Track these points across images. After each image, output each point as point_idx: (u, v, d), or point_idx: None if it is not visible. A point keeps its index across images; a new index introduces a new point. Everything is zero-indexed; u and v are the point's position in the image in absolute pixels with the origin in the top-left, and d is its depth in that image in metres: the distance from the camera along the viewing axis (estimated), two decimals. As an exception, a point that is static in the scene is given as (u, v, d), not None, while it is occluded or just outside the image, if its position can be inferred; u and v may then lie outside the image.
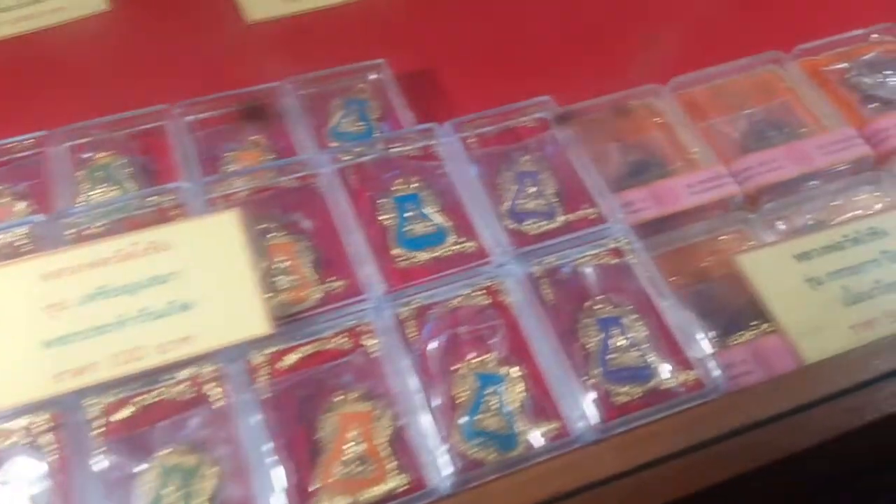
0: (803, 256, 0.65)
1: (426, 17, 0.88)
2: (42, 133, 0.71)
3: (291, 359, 0.56)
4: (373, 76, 0.78)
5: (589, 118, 0.76)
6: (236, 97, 0.76)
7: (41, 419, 0.54)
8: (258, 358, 0.55)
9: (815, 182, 0.71)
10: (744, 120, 0.77)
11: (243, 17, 0.88)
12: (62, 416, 0.54)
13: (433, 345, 0.57)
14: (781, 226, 0.69)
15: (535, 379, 0.56)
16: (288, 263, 0.60)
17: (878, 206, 0.70)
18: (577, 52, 0.84)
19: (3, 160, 0.71)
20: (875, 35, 0.83)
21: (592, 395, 0.55)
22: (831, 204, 0.71)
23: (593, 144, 0.75)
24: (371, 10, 0.88)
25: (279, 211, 0.64)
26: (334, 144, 0.71)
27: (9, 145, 0.71)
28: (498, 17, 0.88)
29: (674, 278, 0.67)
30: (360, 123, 0.75)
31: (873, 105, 0.77)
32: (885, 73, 0.79)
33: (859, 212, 0.70)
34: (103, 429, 0.53)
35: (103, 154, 0.72)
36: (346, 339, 0.57)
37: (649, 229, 0.69)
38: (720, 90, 0.79)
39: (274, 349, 0.56)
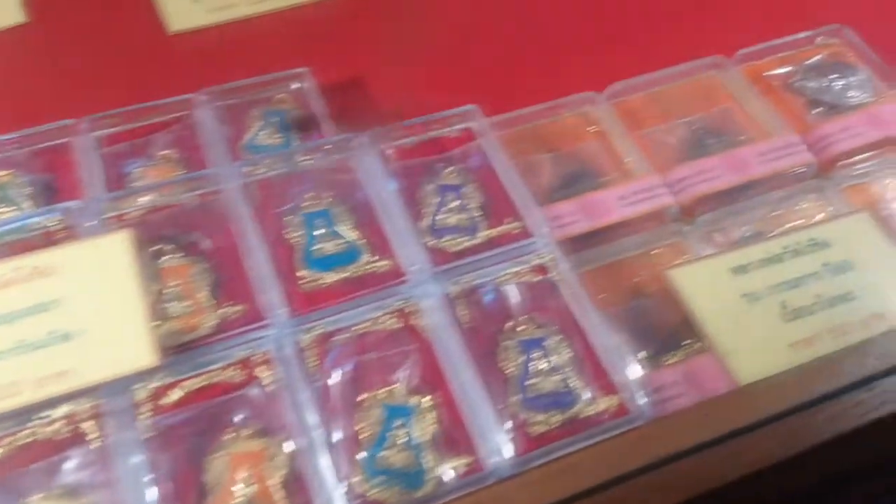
0: (740, 270, 0.62)
1: (354, 26, 0.84)
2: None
3: (178, 393, 0.51)
4: (295, 86, 0.74)
5: (521, 128, 0.73)
6: (148, 110, 0.72)
7: None
8: (142, 393, 0.51)
9: (754, 191, 0.68)
10: (683, 128, 0.73)
11: (165, 27, 0.85)
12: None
13: (337, 375, 0.52)
14: (719, 238, 0.66)
15: (448, 409, 0.52)
16: (182, 288, 0.56)
17: (821, 216, 0.67)
18: (511, 60, 0.80)
19: None
20: (820, 38, 0.80)
21: (508, 425, 0.51)
22: (771, 214, 0.67)
23: (525, 155, 0.71)
24: (299, 19, 0.85)
25: (177, 230, 0.59)
26: (248, 157, 0.67)
27: None
28: (428, 25, 0.84)
29: (604, 295, 0.63)
30: (279, 135, 0.71)
31: (818, 110, 0.74)
32: (830, 77, 0.76)
33: (801, 222, 0.66)
34: (-30, 473, 0.48)
35: (2, 173, 0.68)
36: (241, 370, 0.52)
37: (580, 244, 0.65)
38: (659, 97, 0.75)
39: (160, 383, 0.51)
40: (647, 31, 0.83)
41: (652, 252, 0.66)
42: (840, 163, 0.69)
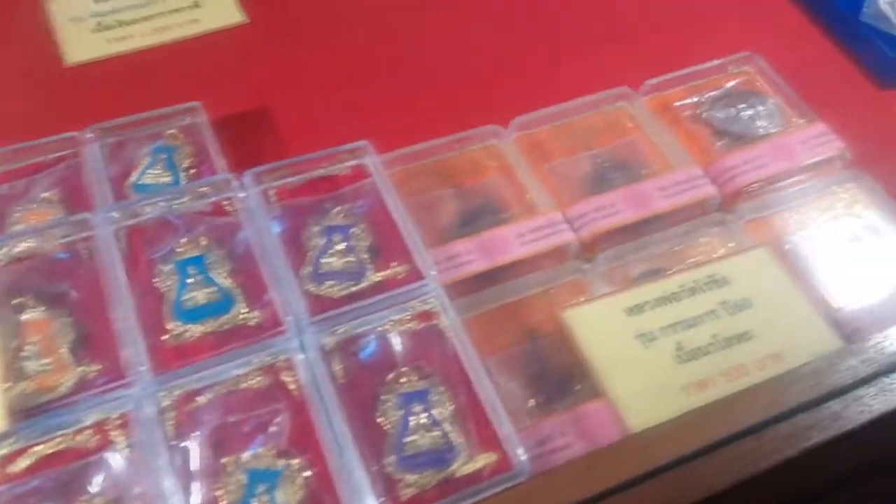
0: (636, 310, 0.60)
1: (255, 60, 0.82)
2: None
3: (28, 460, 0.48)
4: (187, 121, 0.71)
5: (423, 163, 0.71)
6: (33, 148, 0.69)
7: None
8: (-17, 462, 0.48)
9: (656, 226, 0.66)
10: (588, 161, 0.72)
11: (63, 59, 0.81)
12: None
13: (199, 437, 0.49)
14: (619, 275, 0.64)
15: (318, 472, 0.49)
16: (41, 344, 0.53)
17: (722, 252, 0.65)
18: (414, 94, 0.79)
19: None
20: (732, 66, 0.79)
21: (379, 488, 0.48)
22: (673, 250, 0.66)
23: (427, 191, 0.69)
24: (199, 51, 0.82)
25: (43, 281, 0.56)
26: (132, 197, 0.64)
27: None
28: (328, 59, 0.82)
29: (501, 338, 0.61)
30: (168, 174, 0.68)
31: (724, 141, 0.73)
32: (738, 106, 0.75)
33: (701, 258, 0.65)
34: None
35: None
36: (96, 433, 0.49)
37: (478, 283, 0.63)
38: (565, 130, 0.74)
39: (8, 449, 0.48)
40: (554, 62, 0.82)
41: (551, 291, 0.64)
42: (744, 195, 0.68)
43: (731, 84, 0.78)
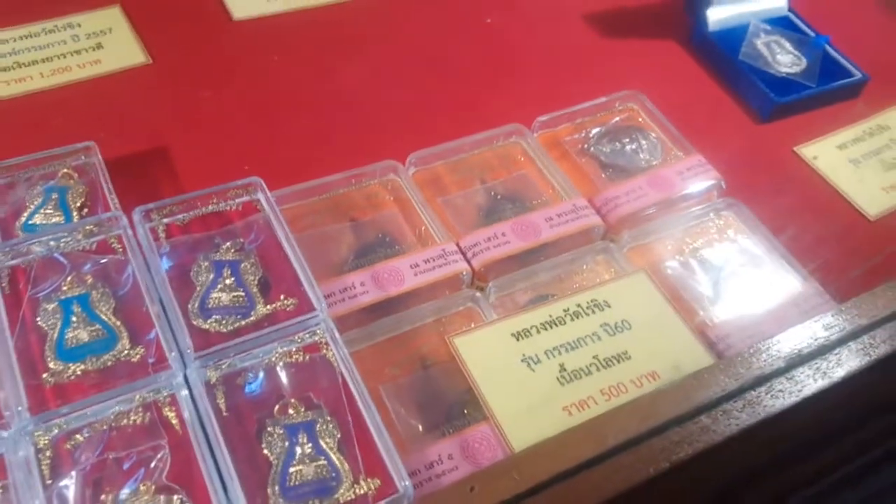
0: (522, 334, 0.62)
1: (155, 99, 0.82)
2: None
3: None
4: (81, 160, 0.71)
5: (322, 197, 0.72)
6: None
7: None
8: None
9: (544, 255, 0.69)
10: (482, 194, 0.75)
11: (-42, 99, 0.80)
12: None
13: (76, 477, 0.49)
14: (509, 303, 0.67)
15: (200, 505, 0.49)
16: None
17: (606, 277, 0.68)
18: (310, 129, 0.80)
19: None
20: (617, 103, 0.84)
21: (260, 520, 0.49)
22: (559, 277, 0.69)
23: (324, 225, 0.71)
24: (101, 89, 0.82)
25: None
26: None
27: None
28: (230, 96, 0.83)
29: (392, 367, 0.62)
30: (59, 213, 0.67)
31: (609, 173, 0.77)
32: (623, 140, 0.80)
33: (586, 284, 0.68)
34: None
35: None
36: (-34, 477, 0.48)
37: (372, 314, 0.64)
38: (461, 165, 0.77)
39: None
40: (450, 99, 0.85)
41: (443, 320, 0.65)
42: (627, 224, 0.72)
43: (616, 120, 0.83)
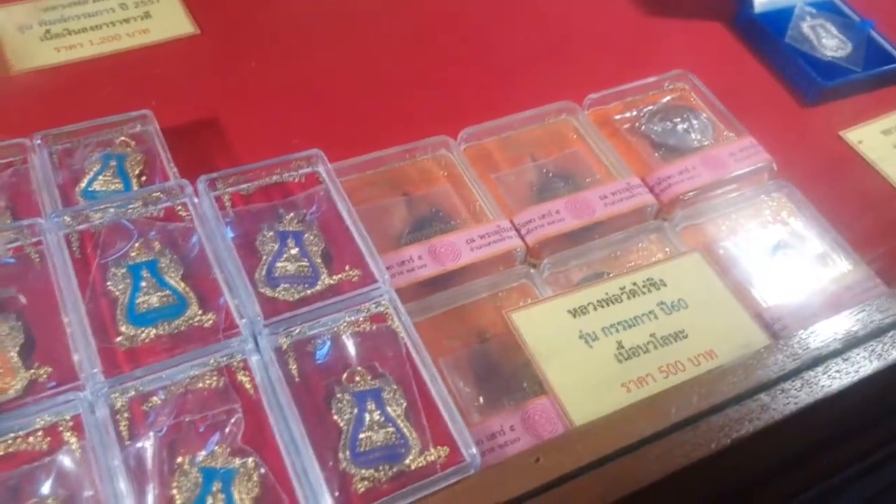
0: (579, 311, 0.63)
1: (202, 69, 0.82)
2: None
3: (-25, 464, 0.47)
4: (137, 129, 0.71)
5: (375, 171, 0.73)
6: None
7: None
8: (-72, 466, 0.47)
9: (598, 233, 0.69)
10: (534, 171, 0.75)
11: (8, 66, 0.80)
12: None
13: (153, 438, 0.50)
14: (563, 279, 0.67)
15: (274, 470, 0.50)
16: (-13, 349, 0.52)
17: (660, 256, 0.69)
18: (365, 104, 0.80)
19: None
20: (667, 83, 0.84)
21: (333, 484, 0.50)
22: (614, 255, 0.69)
23: (378, 199, 0.71)
24: (146, 60, 0.82)
25: (-13, 286, 0.56)
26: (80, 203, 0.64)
27: None
28: (283, 67, 0.83)
29: (450, 340, 0.63)
30: (118, 180, 0.68)
31: (661, 153, 0.77)
32: (673, 120, 0.80)
33: (640, 262, 0.68)
34: None
35: None
36: (48, 436, 0.49)
37: (429, 287, 0.65)
38: (512, 141, 0.77)
39: (-45, 453, 0.47)
40: (501, 76, 0.85)
41: (499, 294, 0.66)
42: (679, 203, 0.72)
43: (666, 99, 0.82)
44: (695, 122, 0.79)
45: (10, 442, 0.48)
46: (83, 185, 0.67)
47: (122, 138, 0.70)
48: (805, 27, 0.95)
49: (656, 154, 0.77)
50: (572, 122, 0.78)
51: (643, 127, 0.79)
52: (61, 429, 0.49)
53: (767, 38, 0.94)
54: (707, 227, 0.72)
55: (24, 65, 0.81)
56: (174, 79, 0.82)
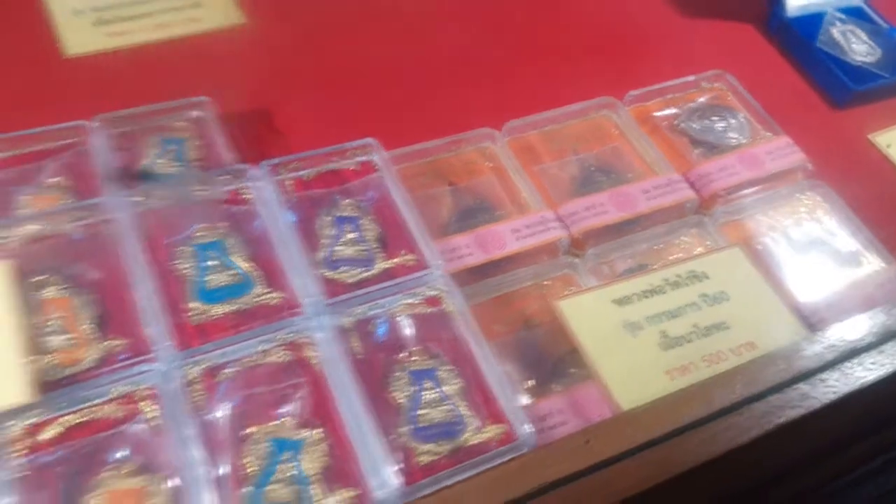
0: (623, 301, 0.65)
1: (254, 56, 0.84)
2: None
3: (55, 430, 0.49)
4: (195, 114, 0.73)
5: (421, 161, 0.75)
6: (40, 136, 0.70)
7: None
8: (15, 430, 0.49)
9: (639, 226, 0.71)
10: (575, 164, 0.77)
11: (62, 50, 0.82)
12: None
13: (224, 408, 0.52)
14: (606, 270, 0.69)
15: (337, 441, 0.52)
16: (63, 320, 0.54)
17: (700, 250, 0.71)
18: (413, 95, 0.83)
19: None
20: (704, 82, 0.86)
21: (396, 455, 0.52)
22: (655, 248, 0.71)
23: (424, 188, 0.73)
24: (197, 47, 0.84)
25: (62, 261, 0.58)
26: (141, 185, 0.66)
27: None
28: (331, 57, 0.85)
29: (497, 325, 0.65)
30: (176, 164, 0.70)
31: (700, 150, 0.79)
32: (712, 118, 0.82)
33: (681, 255, 0.70)
34: None
35: None
36: (123, 405, 0.51)
37: (475, 275, 0.67)
38: (554, 135, 0.79)
39: (36, 419, 0.49)
40: (543, 71, 0.87)
41: (543, 283, 0.68)
42: (719, 199, 0.74)
43: (704, 98, 0.84)
44: (733, 121, 0.81)
45: (86, 410, 0.51)
46: (142, 166, 0.69)
47: (180, 123, 0.72)
48: (835, 32, 0.97)
49: (695, 151, 0.79)
50: (613, 118, 0.80)
51: (682, 124, 0.81)
52: (136, 398, 0.51)
53: (799, 42, 0.95)
54: (745, 222, 0.74)
55: (76, 49, 0.83)
56: (224, 67, 0.84)
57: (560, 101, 0.80)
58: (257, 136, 0.77)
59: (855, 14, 1.01)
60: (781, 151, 0.78)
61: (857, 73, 0.92)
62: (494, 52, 0.89)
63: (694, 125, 0.81)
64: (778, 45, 0.98)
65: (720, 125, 0.81)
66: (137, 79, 0.81)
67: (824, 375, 0.60)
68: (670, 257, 0.70)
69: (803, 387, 0.59)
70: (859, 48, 0.96)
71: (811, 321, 0.66)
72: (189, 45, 0.85)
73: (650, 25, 0.97)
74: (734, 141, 0.80)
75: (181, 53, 0.84)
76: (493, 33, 0.91)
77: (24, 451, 0.48)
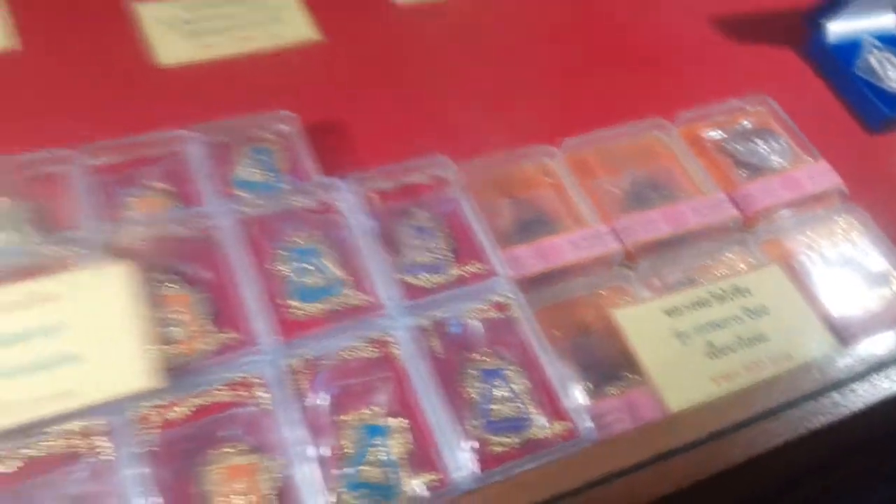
0: (673, 312, 0.71)
1: (332, 71, 0.91)
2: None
3: (179, 411, 0.57)
4: (280, 127, 0.80)
5: (483, 174, 0.81)
6: (140, 143, 0.77)
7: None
8: (144, 411, 0.56)
9: (688, 241, 0.78)
10: (628, 181, 0.83)
11: (154, 60, 0.89)
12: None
13: (322, 396, 0.59)
14: (656, 282, 0.75)
15: (419, 430, 0.59)
16: (181, 315, 0.61)
17: (743, 266, 0.77)
18: (477, 112, 0.89)
19: None
20: (748, 106, 0.91)
21: (472, 445, 0.59)
22: (702, 263, 0.77)
23: (486, 200, 0.79)
24: (284, 61, 0.91)
25: (175, 261, 0.65)
26: (238, 193, 0.73)
27: None
28: (404, 74, 0.92)
29: (555, 331, 0.71)
30: (266, 173, 0.77)
31: (744, 171, 0.85)
32: (756, 141, 0.88)
33: (726, 271, 0.76)
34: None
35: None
36: (236, 390, 0.58)
37: (535, 284, 0.73)
38: (608, 153, 0.85)
39: (161, 402, 0.57)
40: (599, 91, 0.93)
41: (599, 293, 0.74)
42: (761, 219, 0.80)
43: (748, 121, 0.90)
44: (775, 144, 0.87)
45: (205, 395, 0.58)
46: (235, 176, 0.76)
47: (269, 135, 0.79)
48: (872, 60, 1.02)
49: (739, 172, 0.85)
50: (663, 139, 0.86)
51: (728, 146, 0.86)
52: (247, 385, 0.59)
53: (837, 68, 1.00)
54: (784, 241, 0.80)
55: (168, 60, 0.89)
56: (299, 82, 0.90)
57: (609, 118, 0.86)
58: (329, 147, 0.83)
59: (890, 42, 1.05)
60: (820, 175, 0.84)
61: (893, 100, 0.97)
62: (554, 72, 0.95)
63: (739, 147, 0.86)
64: (816, 70, 1.03)
65: (763, 148, 0.87)
66: (227, 90, 0.87)
67: (854, 386, 0.66)
68: (716, 273, 0.76)
69: (835, 395, 0.65)
70: (895, 75, 1.01)
71: (843, 335, 0.72)
72: (270, 57, 0.92)
73: (694, 47, 1.02)
74: (777, 164, 0.85)
75: (268, 65, 0.90)
76: (551, 58, 0.97)
77: (153, 430, 0.56)
